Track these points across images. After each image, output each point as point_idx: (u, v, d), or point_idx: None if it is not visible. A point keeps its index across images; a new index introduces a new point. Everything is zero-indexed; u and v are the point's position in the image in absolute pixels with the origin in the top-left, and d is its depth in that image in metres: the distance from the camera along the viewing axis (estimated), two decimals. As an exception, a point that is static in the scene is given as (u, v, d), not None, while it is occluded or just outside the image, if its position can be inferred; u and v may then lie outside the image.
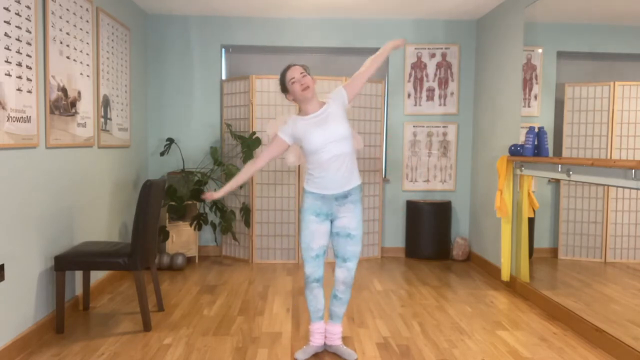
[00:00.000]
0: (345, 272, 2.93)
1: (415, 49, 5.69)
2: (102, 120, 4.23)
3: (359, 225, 2.92)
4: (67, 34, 3.59)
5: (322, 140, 2.79)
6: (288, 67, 2.91)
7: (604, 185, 3.19)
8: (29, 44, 3.05)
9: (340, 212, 2.89)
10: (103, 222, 4.32)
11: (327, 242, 2.94)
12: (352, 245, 2.91)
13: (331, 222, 2.93)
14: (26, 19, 3.02)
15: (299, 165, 5.20)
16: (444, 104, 5.75)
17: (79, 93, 3.79)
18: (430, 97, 5.74)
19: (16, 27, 2.92)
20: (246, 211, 5.24)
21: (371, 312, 3.81)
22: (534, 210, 4.20)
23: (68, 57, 3.60)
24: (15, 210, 2.97)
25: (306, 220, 2.90)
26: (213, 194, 2.92)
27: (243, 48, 5.71)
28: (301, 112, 2.93)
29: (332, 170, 2.82)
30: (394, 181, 5.78)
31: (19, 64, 2.95)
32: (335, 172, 2.82)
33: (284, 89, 2.93)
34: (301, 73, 2.85)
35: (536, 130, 4.03)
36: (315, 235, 2.88)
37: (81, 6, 3.81)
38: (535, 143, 4.04)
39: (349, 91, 2.94)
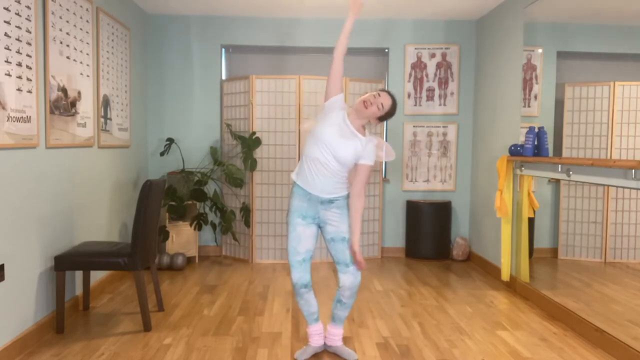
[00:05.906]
0: (351, 278, 2.89)
1: (415, 49, 5.70)
2: (102, 120, 4.23)
3: (349, 229, 2.91)
4: (67, 34, 3.59)
5: (326, 140, 2.77)
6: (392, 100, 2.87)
7: (604, 185, 3.19)
8: (29, 44, 3.05)
9: (328, 218, 2.86)
10: (103, 222, 4.32)
11: (314, 246, 2.90)
12: (349, 248, 2.88)
13: (320, 228, 2.91)
14: (26, 19, 3.02)
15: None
16: (444, 104, 5.75)
17: (79, 93, 3.79)
18: (430, 97, 5.74)
19: (16, 27, 2.92)
20: (246, 211, 5.24)
21: (371, 312, 3.81)
22: (534, 210, 4.20)
23: (68, 57, 3.60)
24: (15, 210, 2.97)
25: (293, 224, 2.87)
26: None
27: (243, 48, 5.71)
28: (352, 115, 2.86)
29: (312, 170, 2.80)
30: (394, 181, 5.78)
31: (19, 64, 2.95)
32: (314, 175, 2.80)
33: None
34: (375, 97, 2.80)
35: (536, 130, 4.03)
36: (301, 238, 2.86)
37: (81, 6, 3.81)
38: (535, 143, 4.04)
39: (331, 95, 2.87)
